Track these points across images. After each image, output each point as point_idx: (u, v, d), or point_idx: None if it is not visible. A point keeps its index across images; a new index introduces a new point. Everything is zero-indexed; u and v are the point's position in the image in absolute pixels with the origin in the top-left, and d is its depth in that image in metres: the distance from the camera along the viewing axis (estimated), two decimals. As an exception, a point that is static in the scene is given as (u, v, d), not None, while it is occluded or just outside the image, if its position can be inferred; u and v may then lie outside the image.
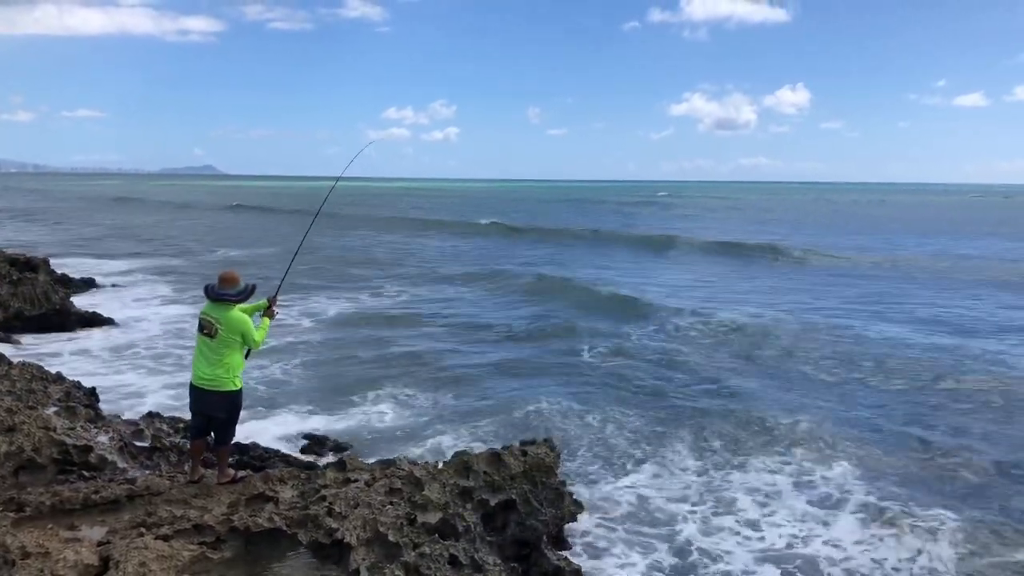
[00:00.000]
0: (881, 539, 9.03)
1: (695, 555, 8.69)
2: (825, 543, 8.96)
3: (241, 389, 7.70)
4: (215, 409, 7.60)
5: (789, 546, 8.91)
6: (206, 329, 7.51)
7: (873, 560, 8.59)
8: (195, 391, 7.68)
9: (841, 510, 9.78)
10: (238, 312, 7.54)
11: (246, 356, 7.74)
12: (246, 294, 7.63)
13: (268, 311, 7.91)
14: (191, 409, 7.87)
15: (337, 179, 10.65)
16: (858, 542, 8.98)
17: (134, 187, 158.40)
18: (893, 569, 8.43)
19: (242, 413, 8.14)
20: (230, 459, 8.28)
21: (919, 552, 8.71)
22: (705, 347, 18.81)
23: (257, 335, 7.58)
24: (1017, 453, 11.72)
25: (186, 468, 8.36)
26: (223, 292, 7.52)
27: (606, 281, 29.76)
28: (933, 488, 10.49)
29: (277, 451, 10.58)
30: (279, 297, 8.20)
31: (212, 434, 7.89)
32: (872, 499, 10.05)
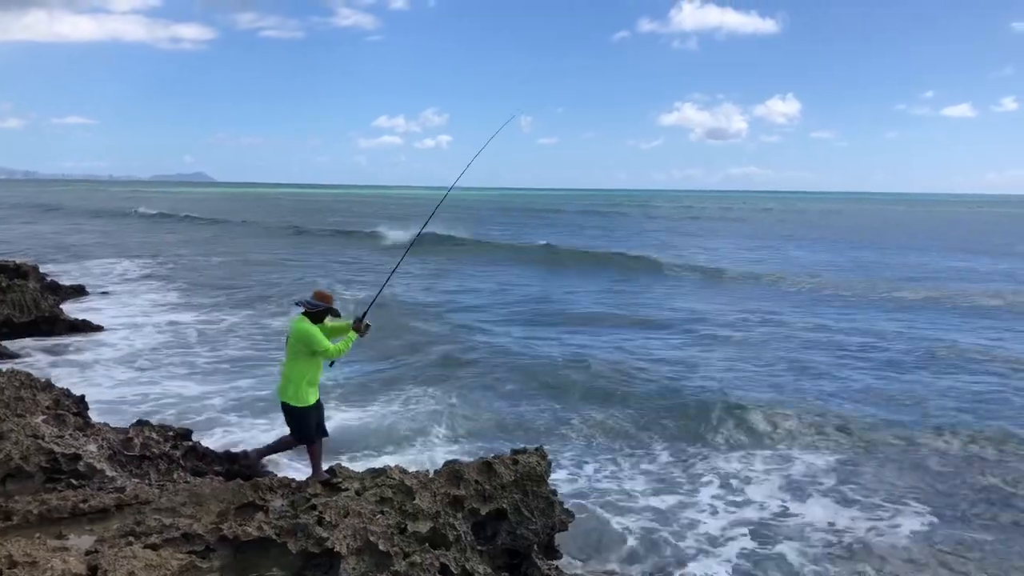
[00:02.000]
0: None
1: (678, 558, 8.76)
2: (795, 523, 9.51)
3: (309, 407, 7.96)
4: (287, 419, 7.97)
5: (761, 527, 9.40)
6: (286, 341, 8.08)
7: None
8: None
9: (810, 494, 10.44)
10: (305, 323, 7.96)
11: (330, 365, 8.03)
12: (318, 307, 8.10)
13: (356, 325, 8.20)
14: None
15: (448, 190, 11.17)
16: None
17: (67, 196, 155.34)
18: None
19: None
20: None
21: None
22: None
23: (330, 345, 7.95)
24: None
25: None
26: (303, 300, 8.10)
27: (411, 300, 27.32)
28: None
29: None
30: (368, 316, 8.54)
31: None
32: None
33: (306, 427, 8.13)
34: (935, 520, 9.61)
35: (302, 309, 8.09)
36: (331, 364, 8.23)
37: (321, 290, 8.28)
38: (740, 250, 52.21)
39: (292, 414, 8.03)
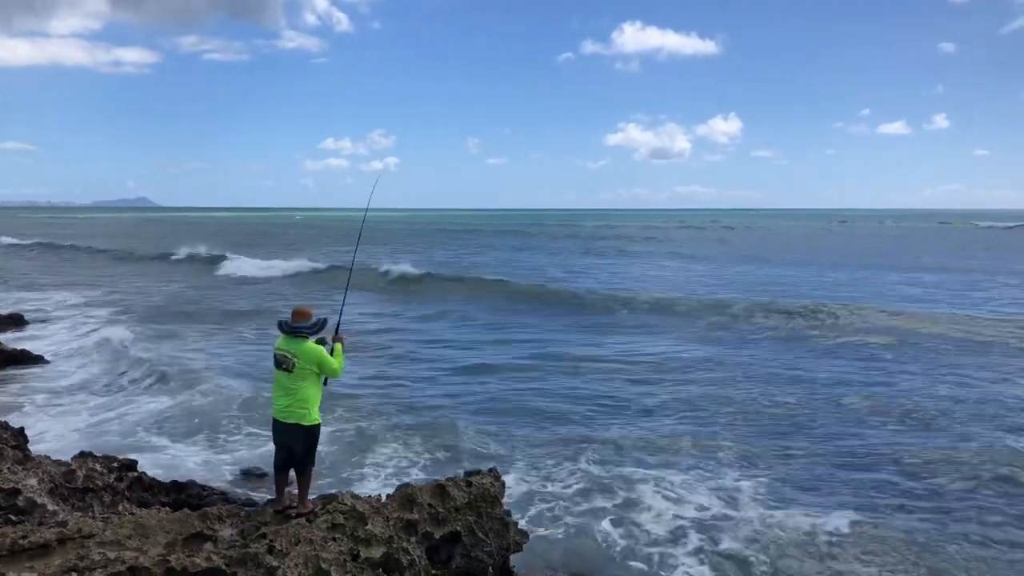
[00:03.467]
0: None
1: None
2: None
3: (319, 424, 7.79)
4: (295, 441, 7.71)
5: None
6: (284, 364, 7.68)
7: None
8: (276, 424, 7.81)
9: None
10: (312, 344, 7.76)
11: (324, 383, 7.86)
12: (319, 326, 7.88)
13: (336, 336, 8.08)
14: (274, 442, 7.96)
15: (365, 211, 11.36)
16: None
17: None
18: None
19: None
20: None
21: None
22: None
23: (335, 363, 7.80)
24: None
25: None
26: (297, 325, 7.75)
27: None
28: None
29: (214, 488, 10.36)
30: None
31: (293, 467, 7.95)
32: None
33: (316, 445, 7.95)
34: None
35: (305, 332, 7.81)
36: (325, 383, 8.04)
37: (303, 307, 8.01)
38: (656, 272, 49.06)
39: (308, 435, 7.76)
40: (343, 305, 9.21)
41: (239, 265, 48.57)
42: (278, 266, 46.90)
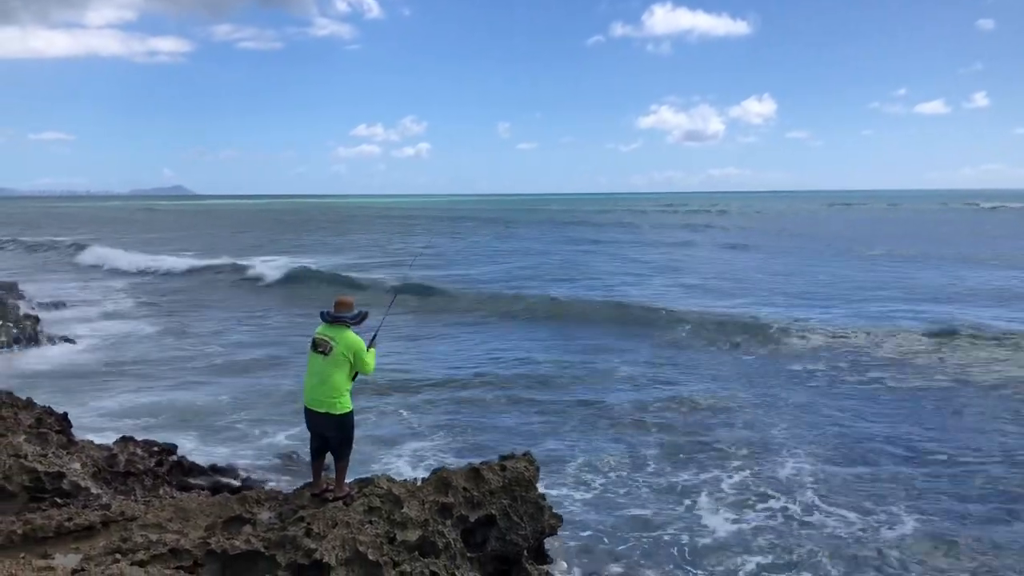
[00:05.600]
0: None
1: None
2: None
3: (352, 411, 7.80)
4: (327, 429, 7.75)
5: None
6: (320, 347, 7.69)
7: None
8: (308, 413, 7.84)
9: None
10: (353, 334, 7.76)
11: (353, 378, 7.85)
12: (360, 318, 7.90)
13: (370, 346, 8.07)
14: (308, 429, 8.00)
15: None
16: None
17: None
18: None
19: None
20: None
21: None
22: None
23: (370, 359, 7.79)
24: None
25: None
26: (340, 315, 7.77)
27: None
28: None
29: (253, 472, 10.50)
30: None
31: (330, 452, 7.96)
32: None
33: (352, 432, 7.93)
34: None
35: (348, 322, 7.80)
36: (354, 378, 7.98)
37: (345, 297, 8.00)
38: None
39: (341, 423, 7.76)
40: (384, 319, 8.68)
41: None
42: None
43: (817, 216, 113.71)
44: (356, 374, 7.88)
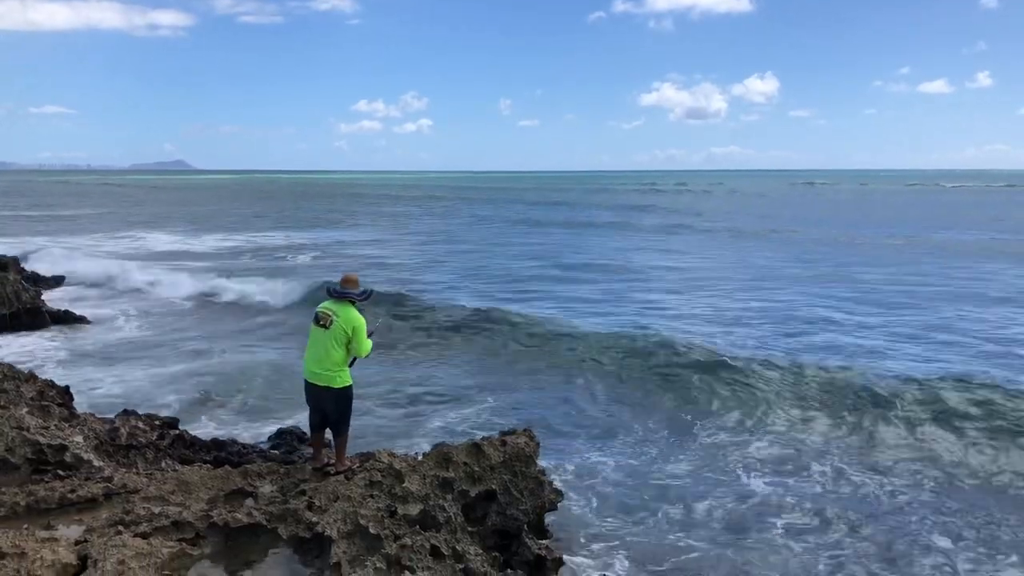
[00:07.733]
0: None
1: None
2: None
3: (351, 386, 7.83)
4: (326, 403, 7.76)
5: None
6: (322, 320, 7.72)
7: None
8: (308, 386, 7.88)
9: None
10: (356, 312, 7.78)
11: (351, 364, 7.85)
12: (366, 295, 7.95)
13: (369, 332, 8.09)
14: (307, 403, 8.04)
15: None
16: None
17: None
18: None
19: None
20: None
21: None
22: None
23: (367, 342, 7.82)
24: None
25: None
26: (346, 291, 7.80)
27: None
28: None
29: (255, 446, 10.53)
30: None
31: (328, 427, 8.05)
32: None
33: (350, 407, 7.92)
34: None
35: (353, 298, 7.77)
36: (351, 364, 7.93)
37: (351, 275, 7.99)
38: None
39: (340, 397, 7.75)
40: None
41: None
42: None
43: (768, 196, 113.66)
44: (354, 360, 7.87)
